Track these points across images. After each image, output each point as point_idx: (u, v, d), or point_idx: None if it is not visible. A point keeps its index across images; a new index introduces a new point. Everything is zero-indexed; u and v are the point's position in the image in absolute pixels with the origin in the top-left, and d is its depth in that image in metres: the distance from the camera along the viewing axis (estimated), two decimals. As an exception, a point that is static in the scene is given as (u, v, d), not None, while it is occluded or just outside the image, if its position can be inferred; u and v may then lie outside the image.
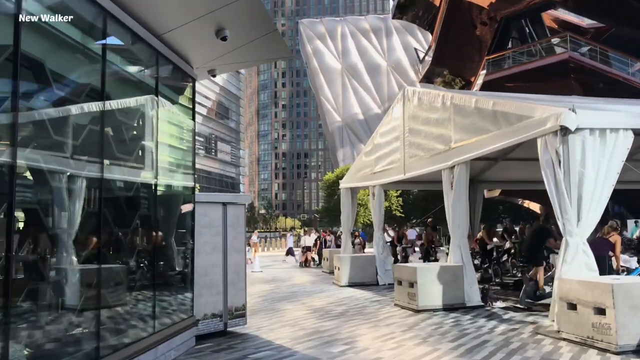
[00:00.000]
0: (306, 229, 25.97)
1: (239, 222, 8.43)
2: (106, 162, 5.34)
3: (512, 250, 14.63)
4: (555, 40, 31.12)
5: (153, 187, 6.45)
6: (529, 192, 25.46)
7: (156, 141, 6.51)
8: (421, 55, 46.56)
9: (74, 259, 4.84)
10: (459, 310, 9.82)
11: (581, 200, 7.37)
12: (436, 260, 14.11)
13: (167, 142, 7.08)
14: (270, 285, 15.33)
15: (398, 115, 13.59)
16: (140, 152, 6.41)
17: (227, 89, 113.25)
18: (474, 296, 10.27)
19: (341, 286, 14.33)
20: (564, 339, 6.94)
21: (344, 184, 17.82)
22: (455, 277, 10.15)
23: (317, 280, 16.74)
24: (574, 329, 6.84)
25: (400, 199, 50.03)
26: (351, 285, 14.33)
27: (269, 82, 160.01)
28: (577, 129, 7.26)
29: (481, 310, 9.82)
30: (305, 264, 22.30)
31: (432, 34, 40.85)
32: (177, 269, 7.24)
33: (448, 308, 9.93)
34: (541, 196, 26.66)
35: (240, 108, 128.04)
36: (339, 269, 14.70)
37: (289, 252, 25.68)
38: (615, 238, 9.20)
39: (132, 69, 6.58)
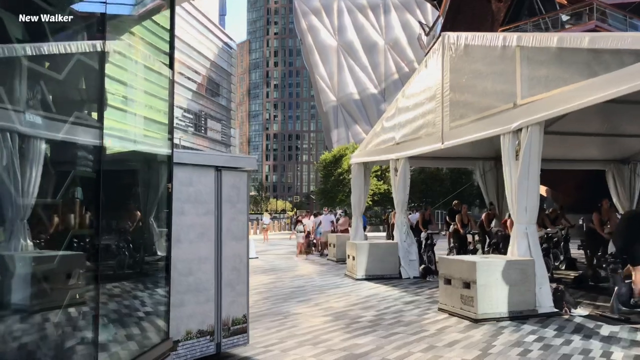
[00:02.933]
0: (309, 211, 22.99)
1: (239, 197, 5.80)
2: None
3: (555, 239, 12.21)
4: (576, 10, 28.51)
5: (97, 150, 3.80)
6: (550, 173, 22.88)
7: (101, 90, 3.83)
8: (426, 29, 43.76)
9: None
10: (530, 320, 7.33)
11: None
12: (474, 251, 11.58)
13: (125, 93, 4.41)
14: (270, 276, 12.75)
15: (434, 70, 10.95)
16: (81, 105, 3.79)
17: (217, 64, 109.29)
18: (545, 300, 7.77)
19: (357, 279, 11.80)
20: None
21: (355, 159, 15.19)
22: (524, 276, 7.62)
23: (324, 270, 14.19)
24: None
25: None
26: (369, 278, 11.80)
27: (261, 61, 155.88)
28: None
29: (560, 320, 7.33)
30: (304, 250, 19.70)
31: (439, 6, 38.14)
32: (138, 265, 4.60)
33: (516, 316, 7.43)
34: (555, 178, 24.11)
35: (232, 85, 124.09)
36: (353, 258, 12.15)
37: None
38: None
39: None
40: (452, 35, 10.38)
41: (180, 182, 5.18)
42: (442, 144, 10.47)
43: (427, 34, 41.20)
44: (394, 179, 12.72)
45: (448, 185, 49.16)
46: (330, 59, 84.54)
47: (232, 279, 5.67)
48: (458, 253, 12.35)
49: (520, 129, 8.07)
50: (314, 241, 20.36)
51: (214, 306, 5.48)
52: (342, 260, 15.71)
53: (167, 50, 5.02)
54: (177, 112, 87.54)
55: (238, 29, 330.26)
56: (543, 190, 33.84)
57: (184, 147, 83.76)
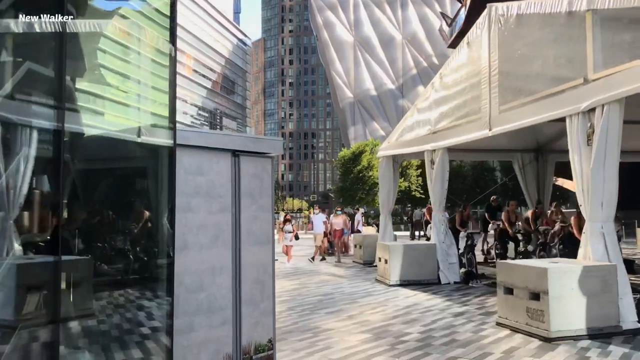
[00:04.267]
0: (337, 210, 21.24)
1: (263, 189, 4.59)
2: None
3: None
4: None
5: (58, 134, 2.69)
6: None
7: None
8: (448, 20, 42.26)
9: None
10: (614, 339, 6.02)
11: None
12: (525, 252, 10.23)
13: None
14: (293, 281, 11.53)
15: (478, 47, 9.63)
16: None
17: (232, 61, 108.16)
18: (629, 314, 6.44)
19: (390, 285, 10.53)
20: None
21: (383, 152, 13.92)
22: (605, 285, 6.29)
23: (352, 274, 12.94)
24: None
25: (421, 178, 46.11)
26: (404, 284, 10.53)
27: (276, 59, 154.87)
28: None
29: (652, 340, 6.00)
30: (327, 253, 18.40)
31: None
32: (127, 279, 3.40)
33: (597, 334, 6.11)
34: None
35: (247, 83, 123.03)
36: (386, 261, 10.87)
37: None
38: None
39: None
40: (500, 6, 9.05)
41: (186, 170, 3.98)
42: (490, 130, 9.16)
43: (449, 25, 39.77)
44: (430, 173, 11.41)
45: (470, 182, 47.48)
46: (347, 54, 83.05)
47: (254, 295, 4.45)
48: (504, 256, 10.99)
49: (594, 109, 6.74)
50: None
51: (232, 330, 4.26)
52: (369, 263, 14.46)
53: (167, 24, 3.77)
54: (192, 110, 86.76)
55: (253, 27, 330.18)
56: (571, 185, 32.17)
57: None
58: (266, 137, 4.68)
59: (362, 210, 23.46)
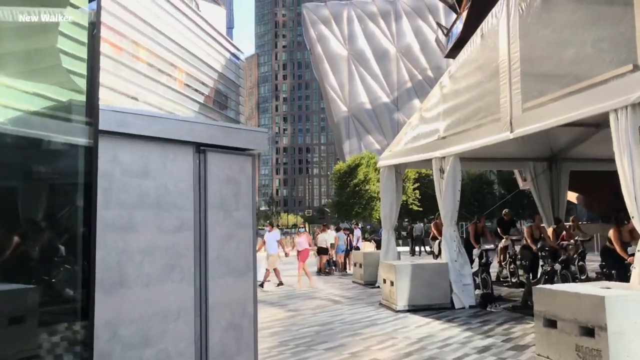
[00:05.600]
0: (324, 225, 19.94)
1: (240, 198, 3.35)
2: None
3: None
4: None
5: None
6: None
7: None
8: (444, 30, 41.45)
9: None
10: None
11: None
12: (550, 273, 8.96)
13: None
14: (285, 308, 10.22)
15: (495, 38, 8.47)
16: None
17: (225, 75, 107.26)
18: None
19: (397, 311, 9.24)
20: None
21: (384, 161, 12.69)
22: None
23: (353, 296, 11.63)
24: None
25: (418, 191, 44.95)
26: (414, 309, 9.25)
27: (270, 74, 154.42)
28: None
29: None
30: (322, 271, 17.11)
31: (458, 5, 35.84)
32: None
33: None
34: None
35: (240, 97, 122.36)
36: (392, 283, 9.59)
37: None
38: None
39: None
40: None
41: (126, 171, 2.74)
42: (511, 132, 7.96)
43: (446, 35, 38.97)
44: (439, 183, 10.18)
45: (469, 195, 46.09)
46: (341, 68, 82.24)
47: (228, 346, 3.18)
48: (530, 276, 9.70)
49: (650, 100, 5.56)
50: (334, 259, 17.79)
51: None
52: (370, 284, 13.17)
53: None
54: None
55: (246, 43, 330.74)
56: (573, 197, 31.06)
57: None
58: (245, 126, 3.44)
59: (360, 225, 22.07)
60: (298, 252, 14.29)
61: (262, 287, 13.02)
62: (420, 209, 44.51)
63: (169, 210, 2.92)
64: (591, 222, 32.41)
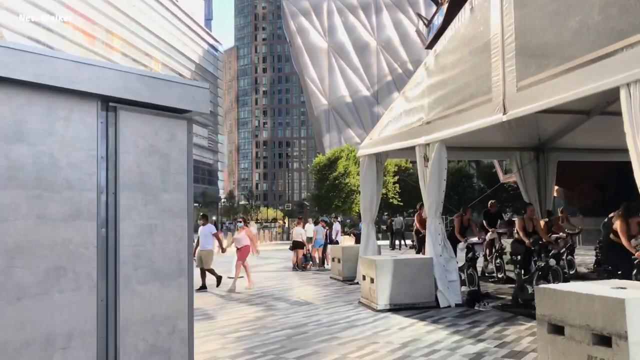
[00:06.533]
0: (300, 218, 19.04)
1: (169, 175, 2.47)
2: None
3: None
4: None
5: None
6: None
7: None
8: (426, 21, 40.73)
9: None
10: None
11: None
12: (545, 269, 8.24)
13: None
14: (256, 307, 9.36)
15: (486, 10, 7.70)
16: None
17: (203, 67, 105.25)
18: None
19: (378, 310, 8.46)
20: None
21: (364, 150, 11.91)
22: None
23: (330, 294, 10.82)
24: None
25: (398, 185, 44.36)
26: (395, 308, 8.48)
27: (249, 67, 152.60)
28: None
29: None
30: (298, 266, 16.27)
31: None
32: None
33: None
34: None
35: (219, 89, 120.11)
36: (372, 280, 8.80)
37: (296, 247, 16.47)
38: None
39: None
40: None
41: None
42: (504, 114, 7.20)
43: (427, 25, 38.25)
44: (423, 172, 9.42)
45: (448, 189, 45.36)
46: (321, 61, 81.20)
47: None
48: (527, 274, 8.97)
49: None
50: (311, 254, 16.98)
51: None
52: (349, 279, 12.40)
53: None
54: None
55: (225, 35, 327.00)
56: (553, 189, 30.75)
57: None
58: (176, 78, 2.52)
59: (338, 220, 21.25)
60: (237, 249, 12.24)
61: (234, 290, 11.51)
62: (401, 203, 43.99)
63: (58, 191, 2.05)
64: (571, 216, 32.29)
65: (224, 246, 13.14)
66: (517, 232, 9.15)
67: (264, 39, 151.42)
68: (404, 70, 77.69)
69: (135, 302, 2.26)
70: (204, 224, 12.19)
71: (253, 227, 26.95)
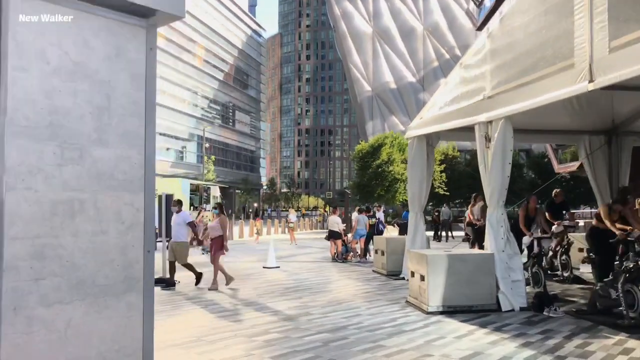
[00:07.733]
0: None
1: (113, 113, 1.41)
2: None
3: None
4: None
5: None
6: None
7: None
8: (477, 2, 38.71)
9: None
10: None
11: None
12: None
13: None
14: (292, 303, 8.38)
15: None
16: None
17: (246, 52, 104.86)
18: None
19: (429, 312, 7.33)
20: None
21: (413, 131, 10.72)
22: None
23: (372, 291, 9.74)
24: None
25: (444, 174, 42.57)
26: (450, 311, 7.33)
27: (293, 54, 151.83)
28: None
29: None
30: (337, 257, 15.18)
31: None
32: None
33: None
34: None
35: (262, 75, 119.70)
36: (422, 278, 7.66)
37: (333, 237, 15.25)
38: None
39: None
40: None
41: None
42: (591, 82, 5.89)
43: (478, 6, 36.19)
44: (483, 154, 8.17)
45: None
46: (365, 46, 79.35)
47: None
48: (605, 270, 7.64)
49: None
50: (351, 245, 15.90)
51: None
52: (393, 274, 11.28)
53: None
54: (204, 103, 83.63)
55: (269, 22, 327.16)
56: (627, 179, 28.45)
57: (209, 140, 79.74)
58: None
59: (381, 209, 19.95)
60: (211, 240, 10.34)
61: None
62: (447, 193, 42.24)
63: None
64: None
65: (200, 237, 11.76)
66: (605, 222, 7.64)
67: (307, 26, 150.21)
68: (451, 56, 74.96)
69: (35, 338, 1.27)
70: (177, 212, 10.40)
71: (293, 214, 26.08)
